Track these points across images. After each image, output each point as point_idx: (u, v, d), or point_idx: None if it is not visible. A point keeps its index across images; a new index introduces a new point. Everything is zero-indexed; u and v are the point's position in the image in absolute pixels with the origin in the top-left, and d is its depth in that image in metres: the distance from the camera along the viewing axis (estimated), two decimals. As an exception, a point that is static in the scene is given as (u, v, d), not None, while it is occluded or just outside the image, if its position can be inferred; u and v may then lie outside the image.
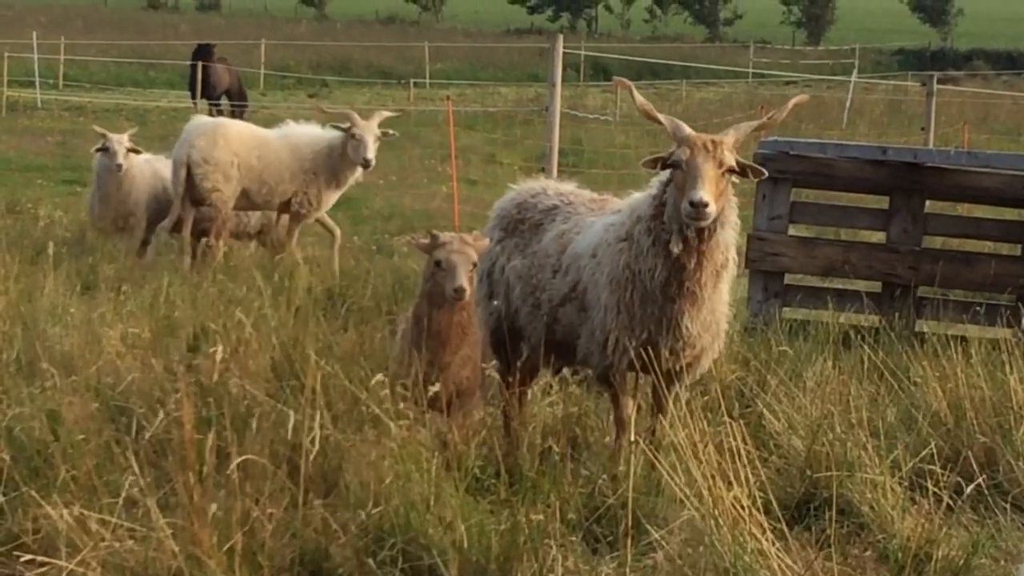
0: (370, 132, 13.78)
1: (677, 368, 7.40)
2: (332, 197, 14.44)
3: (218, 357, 7.00)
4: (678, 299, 7.19)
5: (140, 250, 14.18)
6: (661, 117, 7.22)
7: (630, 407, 7.56)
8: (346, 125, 13.91)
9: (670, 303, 7.21)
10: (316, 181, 14.10)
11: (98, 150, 14.34)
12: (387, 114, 14.51)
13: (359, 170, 14.06)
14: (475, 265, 7.23)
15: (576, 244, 7.67)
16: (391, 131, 14.19)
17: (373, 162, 13.88)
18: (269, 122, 17.45)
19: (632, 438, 6.82)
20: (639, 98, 7.33)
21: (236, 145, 14.07)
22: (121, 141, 14.17)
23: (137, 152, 14.39)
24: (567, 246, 7.72)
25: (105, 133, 14.42)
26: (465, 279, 7.11)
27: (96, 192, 14.56)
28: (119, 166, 14.07)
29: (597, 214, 7.80)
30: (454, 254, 7.16)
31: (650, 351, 7.25)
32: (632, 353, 7.26)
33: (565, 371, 8.41)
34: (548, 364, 7.96)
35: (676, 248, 7.07)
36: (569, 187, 8.30)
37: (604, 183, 17.46)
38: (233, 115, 34.94)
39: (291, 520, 6.29)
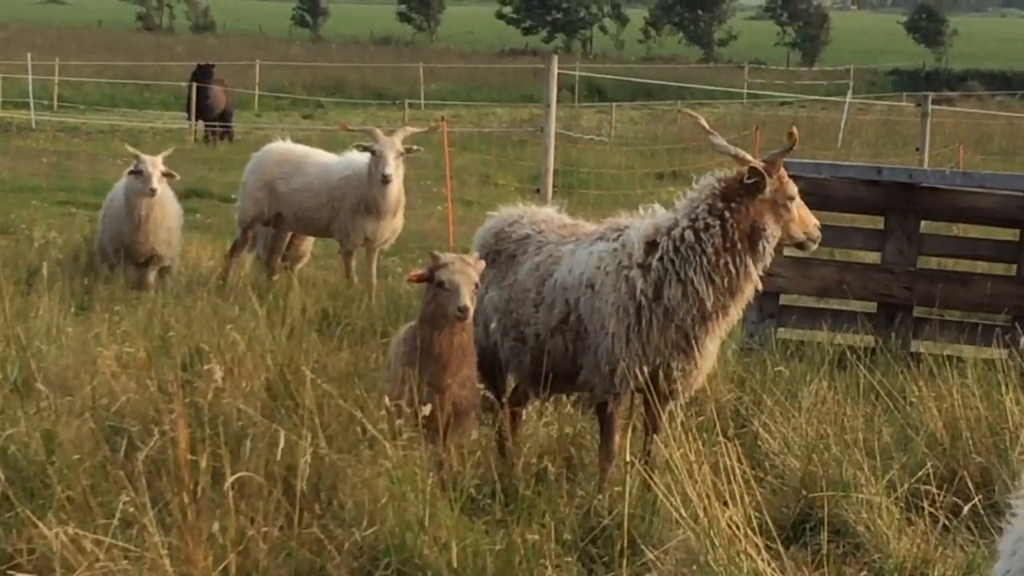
0: (391, 148, 13.27)
1: (674, 387, 7.41)
2: (371, 225, 13.83)
3: (216, 375, 6.98)
4: (710, 321, 7.30)
5: (156, 280, 13.65)
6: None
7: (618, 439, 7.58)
8: (369, 143, 13.47)
9: (695, 326, 7.28)
10: (343, 206, 13.74)
11: (130, 172, 13.31)
12: (412, 130, 14.02)
13: (386, 190, 13.47)
14: (476, 285, 7.21)
15: (559, 274, 7.61)
16: (416, 147, 13.72)
17: (392, 177, 13.30)
18: (261, 142, 17.46)
19: (627, 458, 6.81)
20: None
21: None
22: (156, 163, 13.17)
23: (172, 176, 13.44)
24: (546, 278, 7.66)
25: (138, 154, 13.37)
26: (468, 298, 7.09)
27: (120, 216, 13.56)
28: (153, 190, 13.09)
29: (569, 241, 7.77)
30: (457, 274, 7.11)
31: (659, 374, 7.28)
32: (641, 379, 7.28)
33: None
34: (539, 393, 7.91)
35: (759, 272, 7.38)
36: (546, 213, 8.21)
37: (598, 204, 17.49)
38: (223, 136, 35.05)
39: (286, 540, 6.29)
